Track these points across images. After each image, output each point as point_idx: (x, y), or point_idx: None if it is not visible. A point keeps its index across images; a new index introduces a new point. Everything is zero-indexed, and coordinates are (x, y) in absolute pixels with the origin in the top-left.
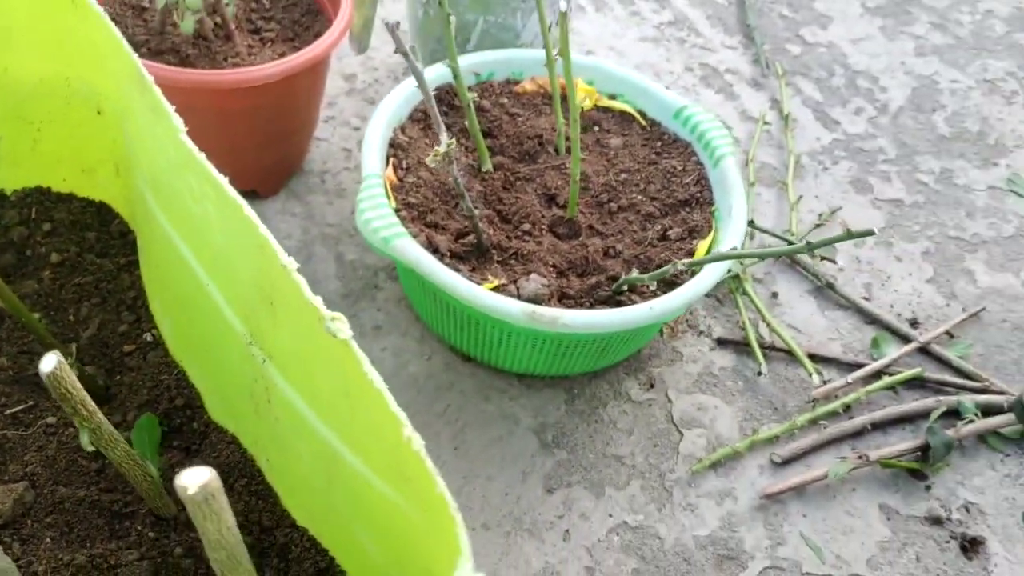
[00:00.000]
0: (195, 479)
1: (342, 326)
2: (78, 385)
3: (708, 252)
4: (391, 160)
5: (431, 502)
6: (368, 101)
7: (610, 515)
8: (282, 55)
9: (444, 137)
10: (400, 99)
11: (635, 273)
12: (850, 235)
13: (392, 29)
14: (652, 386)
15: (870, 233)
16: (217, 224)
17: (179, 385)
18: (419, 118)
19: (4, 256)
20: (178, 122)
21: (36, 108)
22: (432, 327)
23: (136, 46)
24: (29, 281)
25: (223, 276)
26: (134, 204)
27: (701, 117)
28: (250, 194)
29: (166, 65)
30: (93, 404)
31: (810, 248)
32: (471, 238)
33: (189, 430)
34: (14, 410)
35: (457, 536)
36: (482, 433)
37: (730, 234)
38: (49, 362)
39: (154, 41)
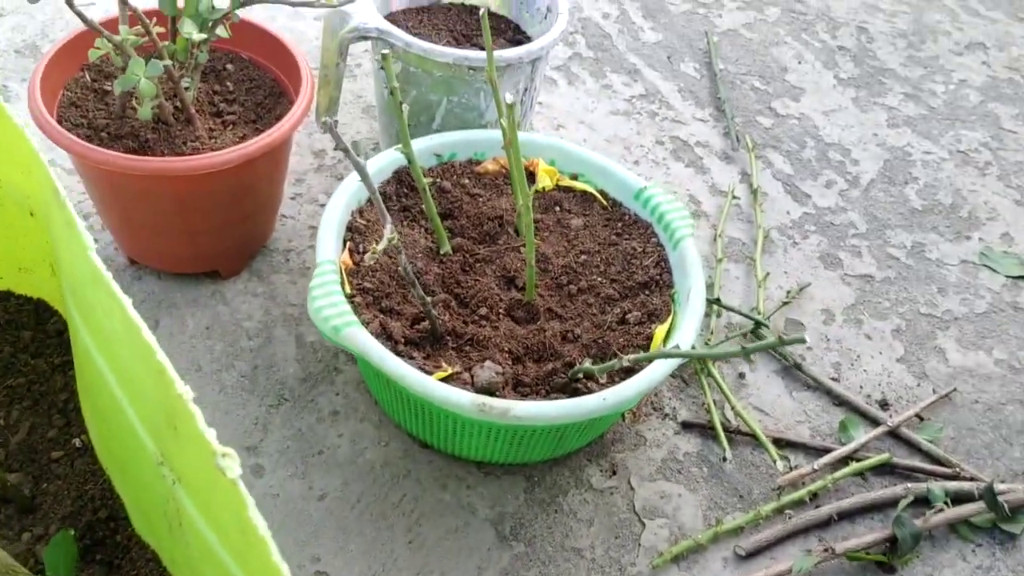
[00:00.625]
0: None
1: (232, 464)
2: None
3: (666, 337)
4: (348, 244)
5: None
6: (337, 178)
7: None
8: (243, 138)
9: (387, 232)
10: (358, 181)
11: (588, 363)
12: (782, 342)
13: (330, 127)
14: (614, 473)
15: (801, 340)
16: (123, 341)
17: (104, 496)
18: None
19: None
20: (88, 239)
21: None
22: (389, 413)
23: (96, 130)
24: None
25: (134, 394)
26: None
27: (661, 198)
28: (212, 275)
29: (124, 150)
30: (15, 564)
31: (745, 353)
32: (426, 324)
33: (112, 543)
34: None
35: None
36: (438, 524)
37: (687, 319)
38: None
39: (114, 125)
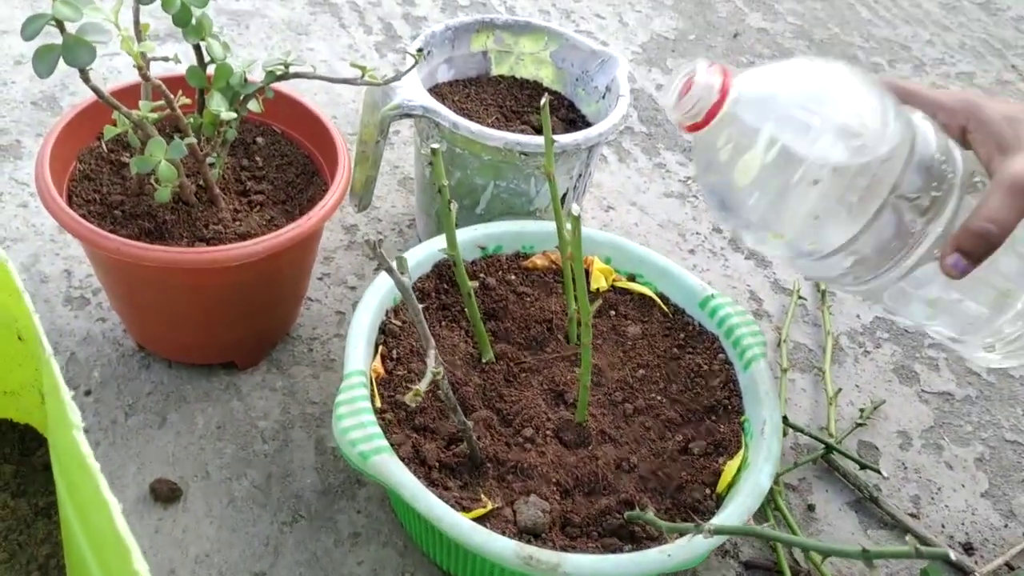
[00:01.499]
0: None
1: None
2: None
3: (737, 474)
4: (380, 349)
5: None
6: (369, 257)
7: None
8: (271, 221)
9: (430, 363)
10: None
11: (652, 512)
12: (919, 553)
13: (374, 246)
14: None
15: (944, 556)
16: (111, 547)
17: None
18: (415, 296)
19: None
20: (75, 416)
21: None
22: (416, 541)
23: (110, 207)
24: None
25: None
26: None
27: (730, 310)
28: (227, 366)
29: (139, 231)
30: None
31: (867, 557)
32: (464, 447)
33: None
34: None
35: None
36: None
37: (763, 458)
38: None
39: (129, 203)
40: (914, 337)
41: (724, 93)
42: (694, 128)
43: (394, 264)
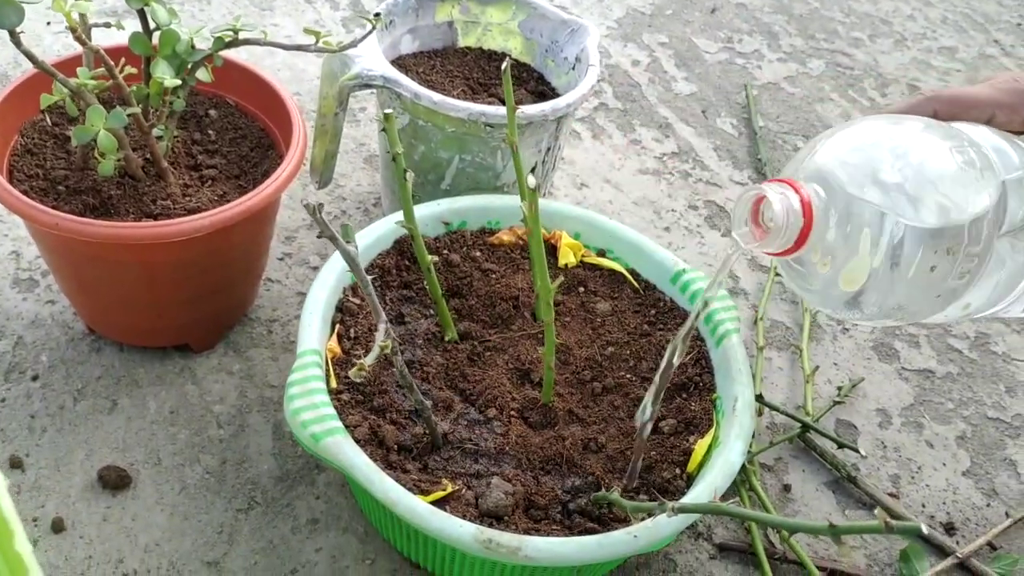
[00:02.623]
0: None
1: None
2: None
3: (708, 453)
4: (337, 327)
5: None
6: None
7: None
8: (223, 196)
9: (379, 335)
10: None
11: (617, 491)
12: (888, 528)
13: (314, 211)
14: None
15: (916, 530)
16: None
17: None
18: (375, 275)
19: None
20: None
21: None
22: (377, 527)
23: (53, 183)
24: None
25: None
26: None
27: (702, 284)
28: (181, 348)
29: (83, 207)
30: None
31: (834, 532)
32: (424, 427)
33: None
34: None
35: None
36: None
37: (734, 436)
38: None
39: (74, 178)
40: None
41: (808, 211)
42: (786, 254)
43: (338, 232)
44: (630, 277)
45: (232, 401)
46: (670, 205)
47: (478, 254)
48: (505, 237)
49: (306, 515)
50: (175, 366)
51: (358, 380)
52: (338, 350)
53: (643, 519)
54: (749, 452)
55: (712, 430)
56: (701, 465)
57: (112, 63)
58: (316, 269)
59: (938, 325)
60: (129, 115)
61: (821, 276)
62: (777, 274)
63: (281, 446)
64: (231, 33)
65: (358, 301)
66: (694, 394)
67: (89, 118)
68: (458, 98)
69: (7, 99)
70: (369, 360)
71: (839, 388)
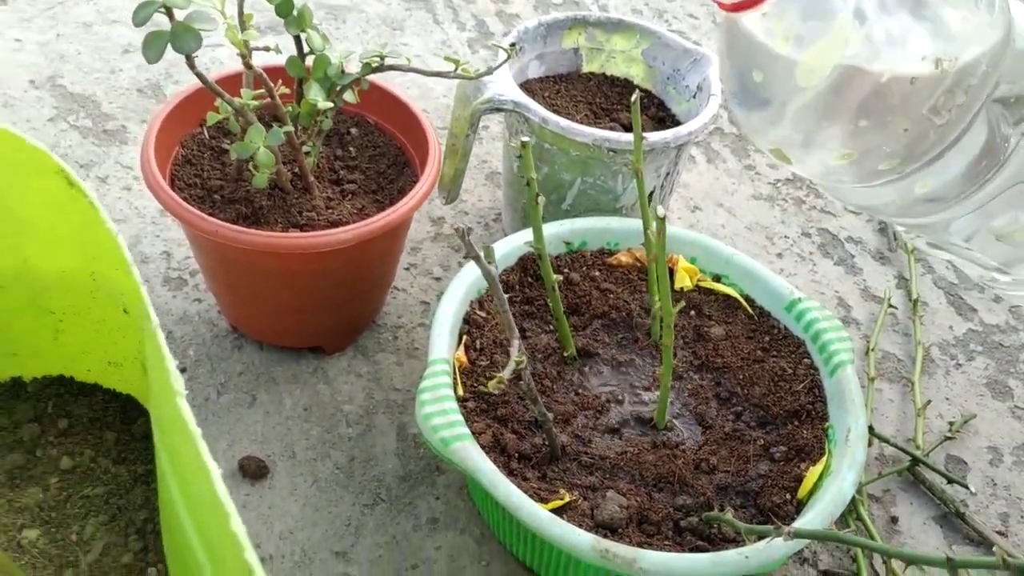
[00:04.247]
0: None
1: None
2: None
3: (819, 481)
4: (464, 339)
5: None
6: (454, 249)
7: None
8: (362, 210)
9: (514, 351)
10: (479, 270)
11: (731, 513)
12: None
13: (463, 234)
14: None
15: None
16: (209, 511)
17: None
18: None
19: (11, 456)
20: (178, 383)
21: (58, 299)
22: (493, 530)
23: (209, 191)
24: (34, 489)
25: (218, 565)
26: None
27: (817, 314)
28: (315, 350)
29: (237, 216)
30: None
31: (952, 566)
32: (543, 439)
33: None
34: None
35: None
36: None
37: (847, 466)
38: None
39: (228, 188)
40: (1009, 351)
41: None
42: (739, 7)
43: (481, 253)
44: (744, 303)
45: (360, 402)
46: (783, 231)
47: (597, 274)
48: (624, 258)
49: (426, 514)
50: (309, 366)
51: (496, 392)
52: (465, 360)
53: (755, 541)
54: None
55: (824, 458)
56: (811, 492)
57: (272, 85)
58: (439, 280)
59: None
60: (284, 133)
61: (778, 67)
62: (891, 305)
63: (404, 447)
64: (378, 59)
65: (484, 315)
66: (806, 422)
67: (250, 135)
68: (581, 122)
69: (171, 114)
70: (506, 374)
71: (951, 423)
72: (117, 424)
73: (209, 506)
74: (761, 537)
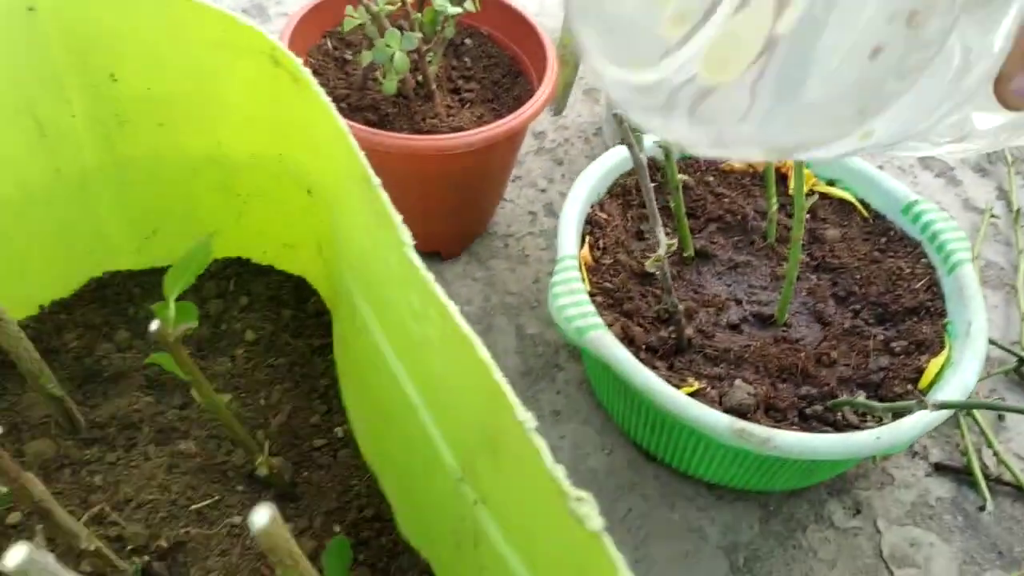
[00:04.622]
0: None
1: (590, 511)
2: (288, 538)
3: (940, 373)
4: (587, 239)
5: None
6: (557, 161)
7: None
8: (480, 117)
9: (663, 237)
10: (599, 173)
11: (860, 394)
12: None
13: (621, 120)
14: (858, 512)
15: None
16: (439, 350)
17: (370, 493)
18: (618, 193)
19: (199, 330)
20: (404, 235)
21: (245, 181)
22: (615, 419)
23: (336, 100)
24: (222, 359)
25: (439, 404)
26: (334, 287)
27: (935, 215)
28: (432, 255)
29: (364, 123)
30: (300, 554)
31: None
32: (669, 332)
33: (377, 545)
34: (199, 505)
35: None
36: (666, 546)
37: (968, 357)
38: (262, 516)
39: (354, 96)
40: None
41: None
42: None
43: (634, 140)
44: (860, 207)
45: (478, 304)
46: None
47: (711, 179)
48: (736, 164)
49: (548, 407)
50: (429, 269)
51: (653, 270)
52: (589, 259)
53: (889, 421)
54: None
55: (945, 351)
56: (931, 384)
57: None
58: (544, 191)
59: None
60: (416, 39)
61: None
62: (993, 215)
63: (523, 346)
64: None
65: (605, 216)
66: (925, 318)
67: (387, 39)
68: None
69: (297, 27)
70: (661, 252)
71: None
72: (292, 302)
73: (453, 340)
74: (897, 416)
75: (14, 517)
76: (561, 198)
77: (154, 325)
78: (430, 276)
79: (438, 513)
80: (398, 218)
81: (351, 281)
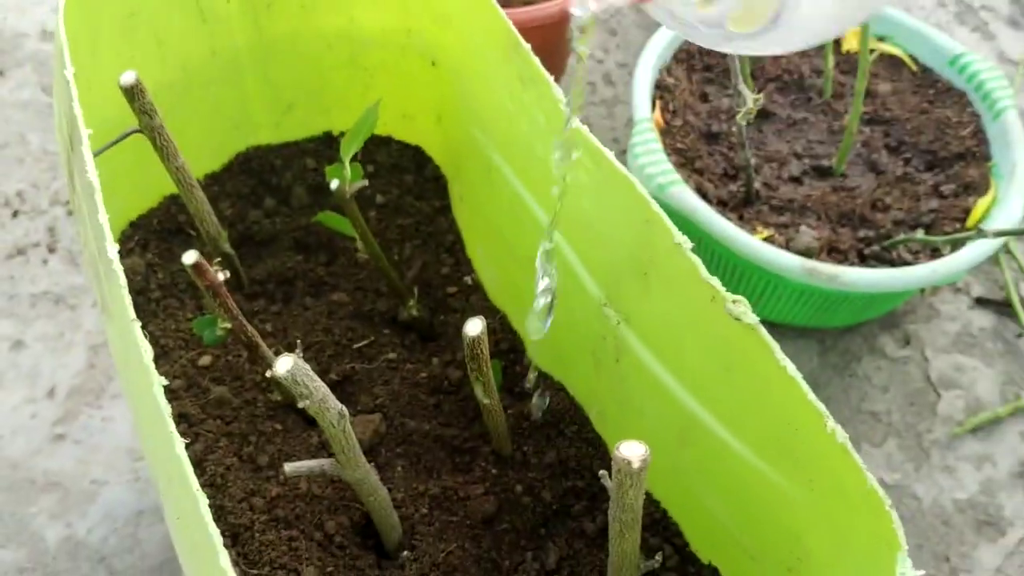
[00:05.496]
0: (632, 452)
1: (745, 310)
2: (486, 349)
3: (986, 212)
4: (658, 103)
5: (854, 493)
6: (610, 32)
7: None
8: None
9: (748, 93)
10: (666, 39)
11: (921, 232)
12: None
13: None
14: (908, 343)
15: None
16: (589, 192)
17: (503, 329)
18: (683, 58)
19: (331, 198)
20: (558, 92)
21: (373, 56)
22: None
23: None
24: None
25: (585, 241)
26: (456, 153)
27: (980, 65)
28: None
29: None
30: (489, 360)
31: None
32: (737, 186)
33: (513, 374)
34: (359, 345)
35: (895, 532)
36: None
37: (1013, 193)
38: (474, 327)
39: None
40: None
41: None
42: None
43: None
44: (909, 61)
45: None
46: (919, 2)
47: None
48: None
49: None
50: None
51: (743, 123)
52: (661, 122)
53: (947, 254)
54: None
55: (991, 191)
56: (979, 222)
57: None
58: (600, 62)
59: None
60: None
61: None
62: None
63: None
64: None
65: (673, 80)
66: (972, 162)
67: None
68: None
69: None
70: (750, 103)
71: None
72: (412, 169)
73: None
74: (955, 247)
75: (205, 360)
76: (618, 68)
77: (334, 184)
78: (585, 128)
79: (576, 337)
80: (550, 77)
81: (485, 143)
